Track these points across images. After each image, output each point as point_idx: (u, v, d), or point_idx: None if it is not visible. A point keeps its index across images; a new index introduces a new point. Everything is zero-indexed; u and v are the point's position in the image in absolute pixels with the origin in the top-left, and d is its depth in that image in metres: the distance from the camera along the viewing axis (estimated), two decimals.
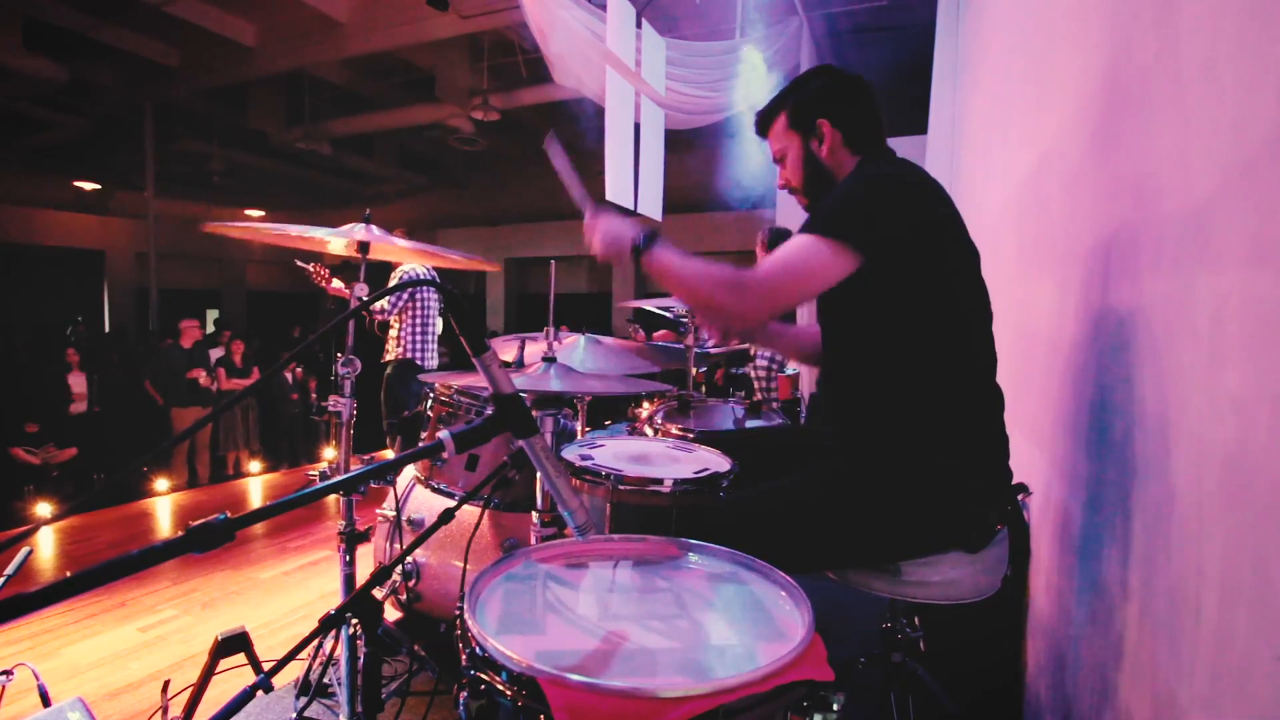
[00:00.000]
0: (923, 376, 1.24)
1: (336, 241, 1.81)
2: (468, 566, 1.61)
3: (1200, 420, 0.82)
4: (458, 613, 0.83)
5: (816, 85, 1.39)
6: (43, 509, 5.47)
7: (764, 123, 1.44)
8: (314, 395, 8.12)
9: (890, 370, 1.27)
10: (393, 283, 1.85)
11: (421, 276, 3.80)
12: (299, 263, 4.17)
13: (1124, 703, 1.02)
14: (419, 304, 3.99)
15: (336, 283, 3.99)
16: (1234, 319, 0.75)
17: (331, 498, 2.73)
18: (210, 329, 9.85)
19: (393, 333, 4.06)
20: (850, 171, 1.35)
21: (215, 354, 7.29)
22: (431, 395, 2.16)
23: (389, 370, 4.08)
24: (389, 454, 4.24)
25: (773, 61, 5.25)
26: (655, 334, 4.55)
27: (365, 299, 1.32)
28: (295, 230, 1.72)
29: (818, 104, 1.36)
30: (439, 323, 4.14)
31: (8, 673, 1.33)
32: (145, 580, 2.82)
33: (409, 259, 2.08)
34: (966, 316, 1.26)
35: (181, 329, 6.94)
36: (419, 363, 4.03)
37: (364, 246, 1.81)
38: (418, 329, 4.01)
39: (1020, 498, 1.65)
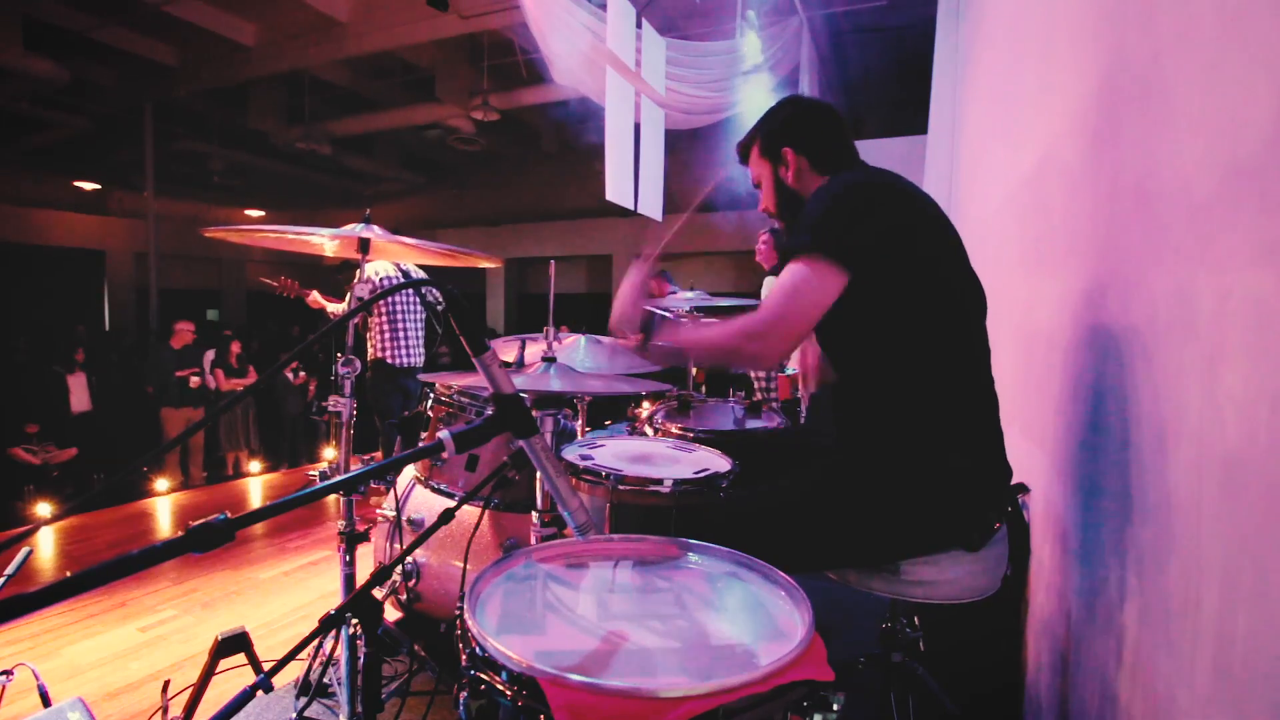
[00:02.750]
0: (918, 374, 1.25)
1: (333, 241, 1.80)
2: (468, 566, 1.61)
3: (1200, 420, 0.82)
4: (458, 613, 0.83)
5: (783, 115, 1.46)
6: (43, 509, 5.47)
7: (743, 152, 1.53)
8: (311, 393, 8.11)
9: (885, 369, 1.28)
10: (359, 284, 1.84)
11: (393, 275, 3.78)
12: (264, 279, 4.16)
13: (1124, 703, 1.02)
14: (387, 303, 3.95)
15: (314, 295, 3.96)
16: (1234, 319, 0.75)
17: (331, 498, 2.73)
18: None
19: (368, 334, 4.05)
20: (826, 181, 1.38)
21: (210, 356, 7.25)
22: (431, 395, 2.17)
23: (366, 371, 4.06)
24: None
25: (773, 62, 5.25)
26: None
27: (365, 299, 1.32)
28: (293, 233, 1.72)
29: (782, 133, 1.44)
30: (418, 321, 4.09)
31: (8, 673, 1.33)
32: (145, 580, 2.82)
33: (410, 257, 2.08)
34: (958, 311, 1.27)
35: (175, 330, 6.92)
36: (390, 362, 3.98)
37: (364, 246, 1.81)
38: (386, 328, 3.98)
39: (1020, 497, 1.65)
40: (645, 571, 1.04)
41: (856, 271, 1.17)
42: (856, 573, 1.28)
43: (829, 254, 1.17)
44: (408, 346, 4.03)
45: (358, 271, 1.86)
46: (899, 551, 1.24)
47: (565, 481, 0.97)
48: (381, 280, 3.73)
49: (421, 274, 3.88)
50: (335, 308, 4.00)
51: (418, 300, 4.08)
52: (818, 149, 1.41)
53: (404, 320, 4.02)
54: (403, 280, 3.71)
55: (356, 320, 3.93)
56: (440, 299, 4.08)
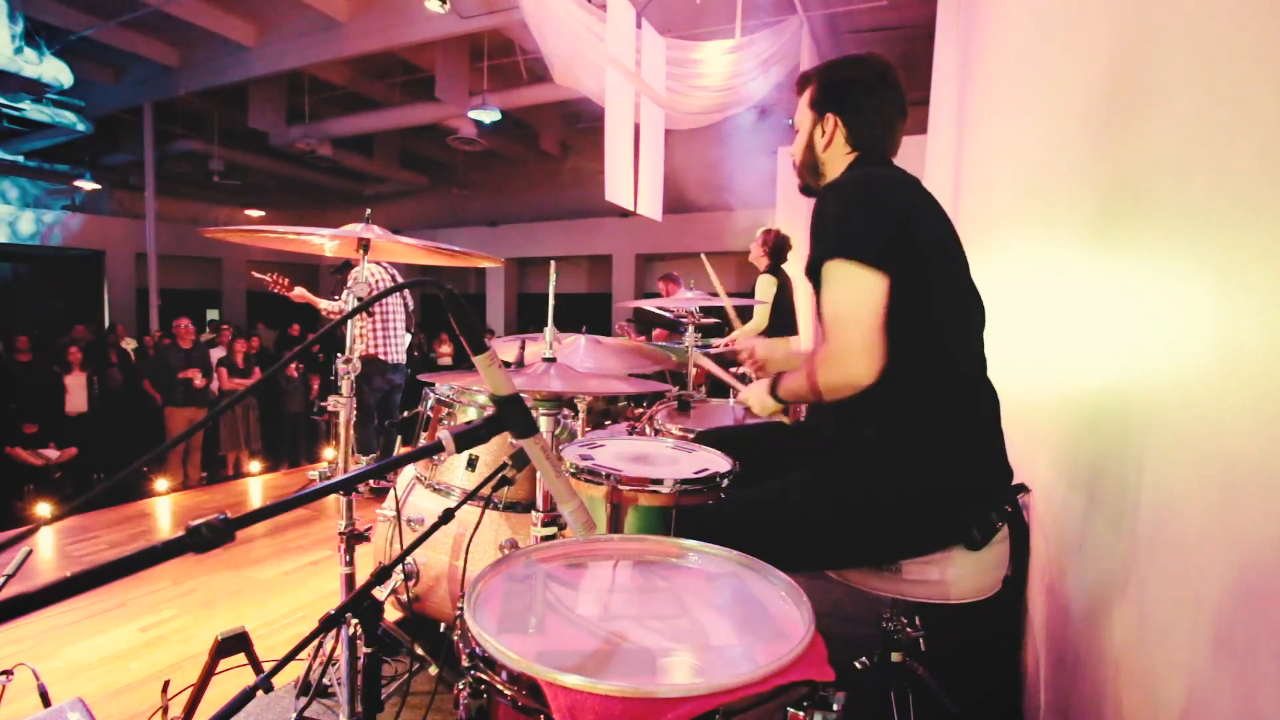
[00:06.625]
0: (919, 374, 1.24)
1: (334, 241, 1.81)
2: (468, 566, 1.61)
3: (1200, 420, 0.82)
4: (458, 613, 0.83)
5: (849, 76, 1.38)
6: (43, 509, 5.47)
7: (800, 86, 1.44)
8: (315, 392, 8.09)
9: (888, 369, 1.27)
10: (355, 285, 1.87)
11: (383, 277, 4.02)
12: (256, 274, 4.36)
13: (1124, 703, 1.02)
14: (379, 304, 4.17)
15: (298, 290, 4.08)
16: (1235, 319, 0.74)
17: (331, 498, 2.73)
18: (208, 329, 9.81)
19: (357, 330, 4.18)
20: (838, 176, 1.36)
21: (216, 354, 7.27)
22: (432, 395, 2.16)
23: None
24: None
25: (773, 61, 5.25)
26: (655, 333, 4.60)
27: (365, 300, 1.32)
28: (293, 233, 1.72)
29: (834, 97, 1.37)
30: (400, 319, 4.34)
31: (8, 673, 1.33)
32: (145, 580, 2.81)
33: (411, 257, 2.09)
34: (959, 312, 1.27)
35: (177, 331, 6.91)
36: (382, 359, 4.23)
37: (364, 246, 1.81)
38: (378, 325, 4.20)
39: (1020, 498, 1.65)
40: (645, 571, 1.04)
41: (885, 269, 1.15)
42: (857, 572, 1.28)
43: (858, 258, 1.15)
44: (397, 343, 4.32)
45: (353, 274, 1.87)
46: (900, 551, 1.24)
47: (565, 481, 0.97)
48: (376, 283, 3.81)
49: (398, 275, 4.27)
50: (326, 304, 4.11)
51: (400, 299, 4.39)
52: (859, 126, 1.35)
53: (393, 318, 4.29)
54: (389, 280, 3.93)
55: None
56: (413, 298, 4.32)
